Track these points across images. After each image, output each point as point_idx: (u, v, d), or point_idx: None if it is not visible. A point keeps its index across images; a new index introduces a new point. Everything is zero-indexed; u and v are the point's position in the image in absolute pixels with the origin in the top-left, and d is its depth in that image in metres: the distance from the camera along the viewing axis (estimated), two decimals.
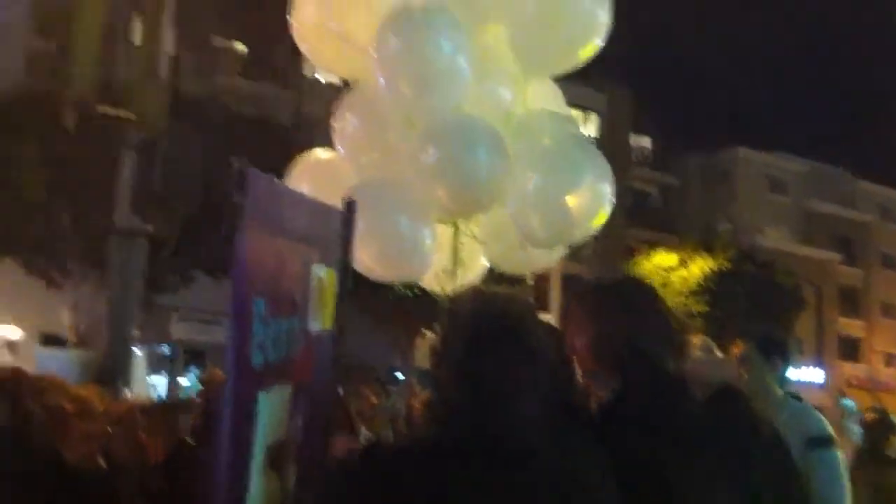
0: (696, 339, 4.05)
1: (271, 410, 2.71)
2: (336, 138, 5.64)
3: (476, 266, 5.82)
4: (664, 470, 2.25)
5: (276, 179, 2.78)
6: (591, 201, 5.15)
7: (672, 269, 32.77)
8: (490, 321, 2.20)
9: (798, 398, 4.76)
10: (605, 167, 5.27)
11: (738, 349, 4.69)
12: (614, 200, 5.28)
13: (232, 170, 2.35)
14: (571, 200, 5.12)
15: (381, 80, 5.20)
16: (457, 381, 2.15)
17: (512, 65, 5.54)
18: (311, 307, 3.11)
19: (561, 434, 2.15)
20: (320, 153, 5.85)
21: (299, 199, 3.11)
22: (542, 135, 5.30)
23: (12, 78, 21.49)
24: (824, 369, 44.91)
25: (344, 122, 5.63)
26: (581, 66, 5.74)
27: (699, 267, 32.30)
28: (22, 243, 23.76)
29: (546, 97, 5.75)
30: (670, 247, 34.87)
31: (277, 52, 35.71)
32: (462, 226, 5.57)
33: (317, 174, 5.63)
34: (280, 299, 2.78)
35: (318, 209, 3.28)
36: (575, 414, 2.40)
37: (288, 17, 5.66)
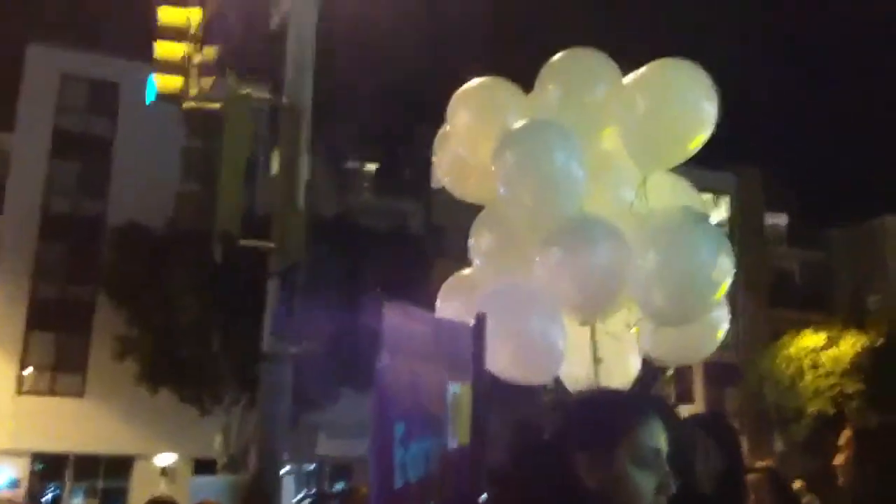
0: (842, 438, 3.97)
1: None
2: (473, 254, 5.99)
3: (627, 365, 5.95)
4: None
5: (409, 307, 2.97)
6: (711, 273, 5.28)
7: (821, 349, 31.45)
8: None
9: None
10: (722, 240, 5.42)
11: None
12: (733, 272, 5.37)
13: (371, 301, 2.54)
14: (692, 276, 5.29)
15: (502, 192, 5.53)
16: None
17: (628, 163, 5.78)
18: (448, 424, 3.25)
19: None
20: (464, 271, 6.20)
21: (432, 321, 3.29)
22: (660, 221, 5.49)
23: (164, 216, 22.98)
24: None
25: (479, 238, 5.99)
26: (703, 152, 5.93)
27: (850, 344, 30.90)
28: (176, 372, 24.82)
29: (671, 188, 5.94)
30: (817, 325, 33.52)
31: (405, 168, 36.93)
32: (600, 324, 5.73)
33: (460, 289, 5.97)
34: (419, 421, 2.93)
35: (449, 328, 3.45)
36: None
37: (433, 157, 6.22)
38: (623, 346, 5.82)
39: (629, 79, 5.78)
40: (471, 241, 6.08)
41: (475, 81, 6.10)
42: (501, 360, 5.35)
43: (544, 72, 5.93)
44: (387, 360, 2.66)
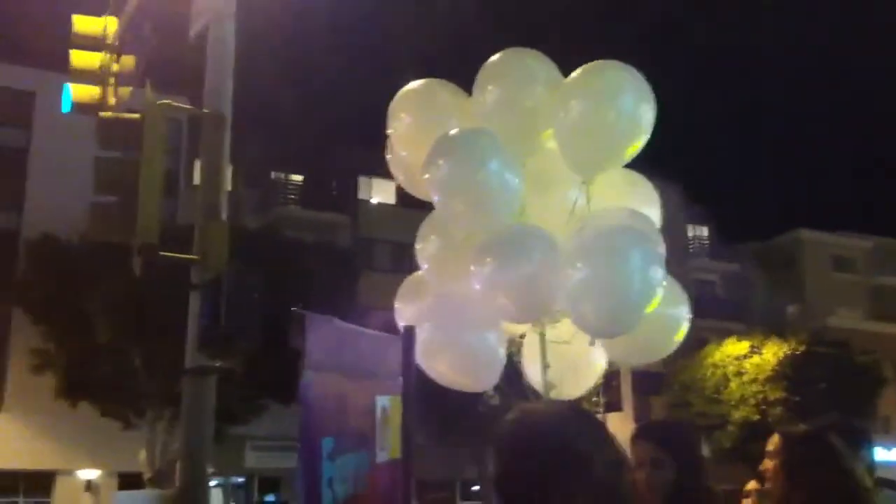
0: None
1: None
2: (419, 258, 5.91)
3: (589, 369, 5.91)
4: None
5: (334, 320, 2.87)
6: (643, 287, 5.17)
7: (745, 357, 32.08)
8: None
9: (892, 484, 4.64)
10: (653, 251, 5.23)
11: None
12: (664, 285, 5.24)
13: (292, 316, 2.44)
14: (623, 287, 5.19)
15: (436, 200, 5.47)
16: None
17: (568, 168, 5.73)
18: (377, 438, 3.16)
19: None
20: (418, 273, 6.11)
21: (358, 334, 3.20)
22: (590, 230, 5.39)
23: (80, 229, 22.37)
24: None
25: (424, 242, 5.92)
26: (629, 162, 5.88)
27: (772, 353, 31.57)
28: (96, 386, 24.22)
29: (623, 186, 5.87)
30: (740, 335, 34.20)
31: (332, 180, 36.71)
32: (549, 331, 5.69)
33: (414, 293, 5.92)
34: (347, 435, 2.84)
35: (378, 341, 3.36)
36: None
37: (386, 155, 6.11)
38: (583, 350, 5.72)
39: (565, 81, 5.70)
40: (417, 245, 6.00)
41: (416, 83, 6.02)
42: (440, 369, 5.32)
43: (482, 74, 5.83)
44: (311, 375, 2.56)
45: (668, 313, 5.69)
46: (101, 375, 23.73)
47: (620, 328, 5.40)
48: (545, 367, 5.59)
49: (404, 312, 5.75)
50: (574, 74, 5.63)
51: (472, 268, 5.40)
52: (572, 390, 6.00)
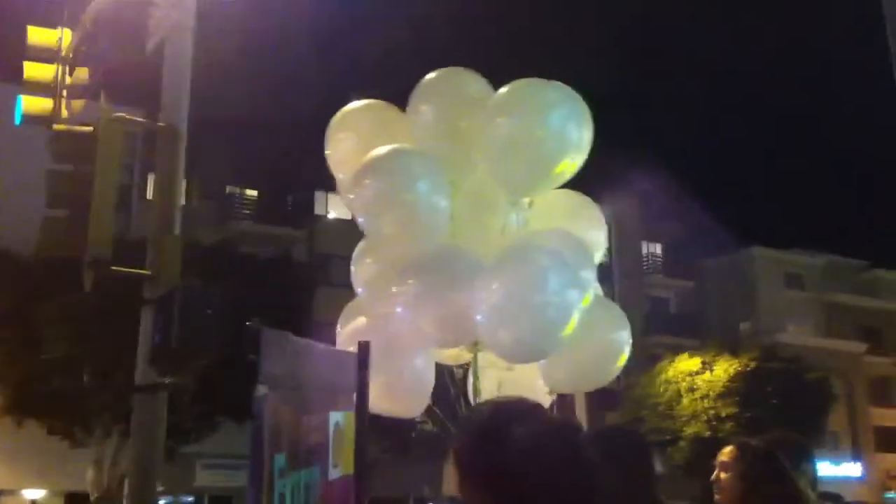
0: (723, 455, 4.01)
1: None
2: (354, 282, 5.86)
3: (537, 393, 5.79)
4: None
5: (289, 335, 2.87)
6: (557, 310, 5.01)
7: (697, 374, 32.39)
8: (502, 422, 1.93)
9: (836, 498, 4.71)
10: (570, 273, 5.08)
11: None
12: (579, 308, 5.05)
13: (247, 330, 2.44)
14: (540, 309, 5.05)
15: (361, 221, 5.40)
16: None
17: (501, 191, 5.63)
18: (330, 454, 3.15)
19: None
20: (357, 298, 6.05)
21: (313, 349, 3.19)
22: (507, 252, 5.27)
23: (30, 243, 21.98)
24: (862, 463, 43.85)
25: (359, 266, 5.86)
26: (579, 182, 5.81)
27: (724, 369, 31.91)
28: (43, 403, 23.77)
29: (562, 207, 5.80)
30: (693, 351, 34.54)
31: (288, 195, 36.51)
32: (481, 353, 5.61)
33: (353, 317, 5.84)
34: (300, 451, 2.83)
35: (332, 357, 3.36)
36: None
37: (326, 153, 6.03)
38: (525, 373, 5.66)
39: (492, 98, 5.52)
40: (353, 269, 5.94)
41: (354, 104, 5.99)
42: (372, 395, 5.20)
43: (416, 93, 5.75)
44: (264, 390, 2.55)
45: (609, 338, 5.64)
46: (49, 392, 23.31)
47: (535, 353, 5.25)
48: (475, 394, 5.46)
49: (341, 335, 5.69)
50: (502, 91, 5.48)
51: (393, 289, 5.30)
52: None
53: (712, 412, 31.11)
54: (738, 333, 42.53)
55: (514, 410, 1.89)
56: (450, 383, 5.84)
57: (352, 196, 5.37)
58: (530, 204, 5.59)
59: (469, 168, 5.64)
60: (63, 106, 10.41)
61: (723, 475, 3.91)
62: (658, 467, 32.61)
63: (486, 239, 5.50)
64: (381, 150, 5.42)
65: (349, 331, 5.60)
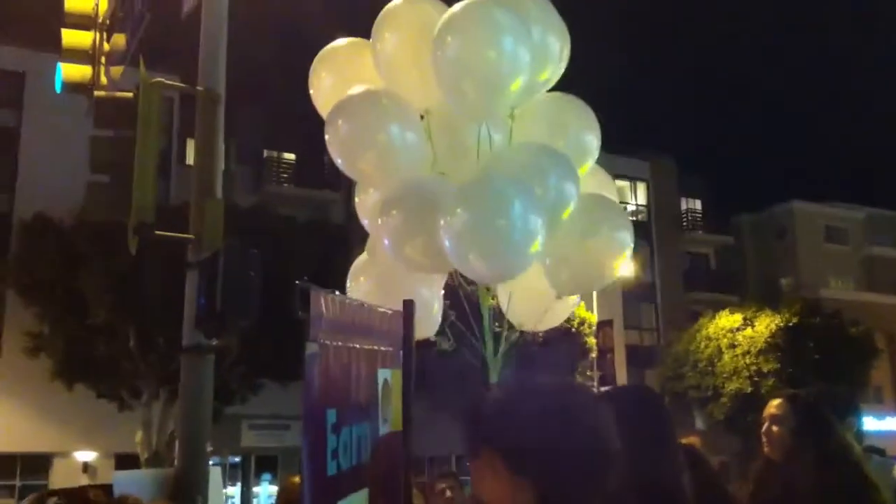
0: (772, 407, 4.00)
1: None
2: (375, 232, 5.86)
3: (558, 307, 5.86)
4: None
5: (336, 293, 2.90)
6: (520, 228, 4.94)
7: (738, 330, 32.22)
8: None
9: (880, 451, 4.70)
10: (530, 193, 4.99)
11: None
12: (543, 227, 4.98)
13: (295, 289, 2.47)
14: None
15: (339, 163, 5.63)
16: None
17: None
18: (379, 410, 3.20)
19: None
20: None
21: (360, 308, 3.23)
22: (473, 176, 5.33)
23: (74, 209, 22.28)
24: None
25: (355, 283, 5.96)
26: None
27: (765, 325, 31.70)
28: (91, 368, 24.24)
29: (549, 117, 5.78)
30: (733, 307, 34.33)
31: (325, 157, 36.61)
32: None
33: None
34: (350, 407, 2.88)
35: (377, 315, 3.39)
36: None
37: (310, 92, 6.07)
38: (533, 282, 5.61)
39: (441, 18, 5.27)
40: (349, 285, 5.99)
41: (336, 42, 5.98)
42: None
43: (378, 23, 5.67)
44: (315, 347, 2.59)
45: (610, 237, 5.55)
46: (96, 357, 23.74)
47: (504, 274, 5.20)
48: (485, 308, 5.58)
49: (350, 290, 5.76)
50: (452, 9, 5.26)
51: (378, 221, 5.36)
52: (539, 325, 5.97)
53: (754, 368, 30.97)
54: (778, 289, 42.21)
55: (531, 389, 1.86)
56: (463, 300, 5.89)
57: (328, 137, 5.44)
58: (512, 116, 5.50)
59: (436, 94, 5.48)
60: (102, 73, 10.50)
61: (774, 428, 3.91)
62: (699, 423, 32.57)
63: (468, 163, 5.46)
64: (350, 93, 5.45)
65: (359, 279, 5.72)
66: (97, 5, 10.70)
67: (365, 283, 5.86)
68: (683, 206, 45.74)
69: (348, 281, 6.02)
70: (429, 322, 5.61)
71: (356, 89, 5.48)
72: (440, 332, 6.00)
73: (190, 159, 18.05)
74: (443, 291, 5.88)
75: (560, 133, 5.61)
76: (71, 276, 23.29)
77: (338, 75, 5.88)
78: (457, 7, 5.25)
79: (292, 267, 18.95)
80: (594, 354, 29.31)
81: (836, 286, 45.24)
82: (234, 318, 7.47)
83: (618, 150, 36.38)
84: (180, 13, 9.95)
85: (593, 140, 5.86)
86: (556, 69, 5.60)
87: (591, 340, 29.21)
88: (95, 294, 22.73)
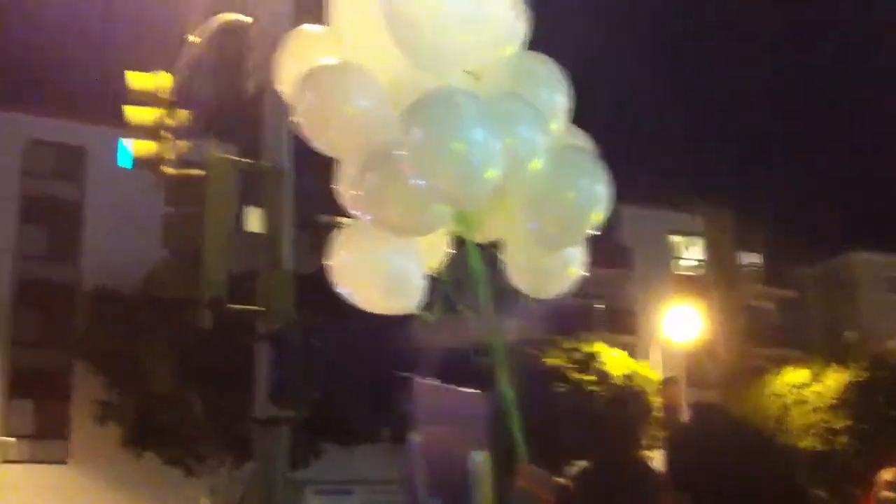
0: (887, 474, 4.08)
1: None
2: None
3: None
4: None
5: (435, 382, 2.91)
6: (482, 153, 4.72)
7: (805, 385, 31.50)
8: None
9: None
10: (488, 115, 4.71)
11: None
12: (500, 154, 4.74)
13: (399, 381, 2.48)
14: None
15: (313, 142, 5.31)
16: None
17: None
18: (473, 495, 3.18)
19: None
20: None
21: (451, 393, 3.23)
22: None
23: (137, 281, 22.73)
24: None
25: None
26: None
27: (834, 380, 30.97)
28: (158, 435, 24.49)
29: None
30: (797, 362, 33.62)
31: None
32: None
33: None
34: (450, 493, 2.86)
35: (465, 398, 3.39)
36: None
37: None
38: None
39: None
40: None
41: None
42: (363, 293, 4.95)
43: None
44: (417, 437, 2.59)
45: (579, 186, 5.23)
46: (162, 424, 24.00)
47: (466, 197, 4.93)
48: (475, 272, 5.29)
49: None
50: None
51: (352, 192, 5.06)
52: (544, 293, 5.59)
53: (825, 425, 30.18)
54: (842, 342, 41.30)
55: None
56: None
57: (295, 112, 5.29)
58: (476, 77, 5.29)
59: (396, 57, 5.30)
60: (167, 147, 10.72)
61: (891, 494, 3.95)
62: None
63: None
64: (313, 68, 5.29)
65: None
66: (159, 82, 10.97)
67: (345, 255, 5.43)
68: (744, 261, 45.18)
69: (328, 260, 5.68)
70: (409, 293, 5.27)
71: (322, 60, 5.29)
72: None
73: (250, 226, 18.24)
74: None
75: (525, 93, 5.36)
76: (137, 346, 23.67)
77: (304, 61, 5.71)
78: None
79: (352, 330, 18.99)
80: (658, 413, 28.84)
81: None
82: (307, 391, 7.51)
83: (672, 205, 36.22)
84: (240, 86, 10.19)
85: (559, 98, 5.61)
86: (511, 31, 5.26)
87: (654, 399, 28.76)
88: (158, 364, 23.05)
